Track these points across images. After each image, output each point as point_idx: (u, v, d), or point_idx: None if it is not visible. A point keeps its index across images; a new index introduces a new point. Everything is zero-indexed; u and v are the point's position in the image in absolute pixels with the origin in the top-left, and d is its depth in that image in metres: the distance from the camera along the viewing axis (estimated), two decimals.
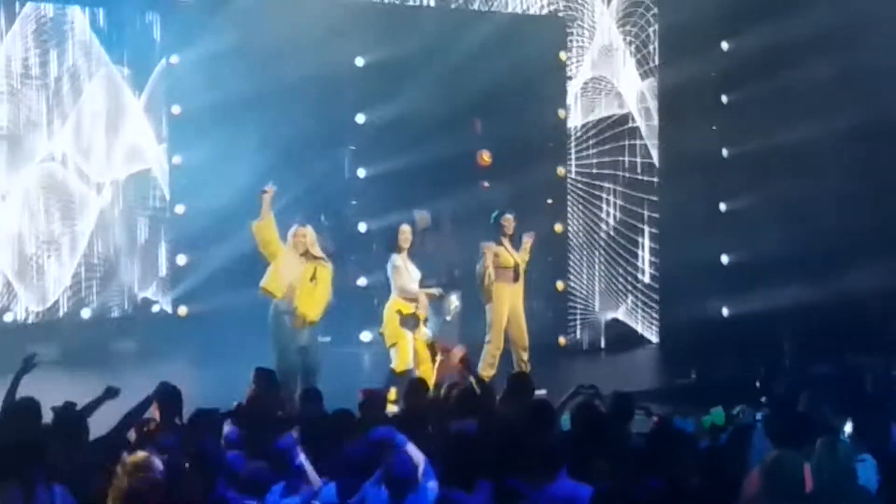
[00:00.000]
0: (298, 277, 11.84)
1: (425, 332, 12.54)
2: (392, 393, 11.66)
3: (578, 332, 17.53)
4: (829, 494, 7.19)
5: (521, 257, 13.33)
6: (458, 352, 11.12)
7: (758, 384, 11.30)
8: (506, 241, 13.26)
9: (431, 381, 11.75)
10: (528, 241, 13.39)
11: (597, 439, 7.88)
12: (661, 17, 17.65)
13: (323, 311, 11.99)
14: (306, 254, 11.89)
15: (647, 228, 18.03)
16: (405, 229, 12.54)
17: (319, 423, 8.28)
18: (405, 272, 12.41)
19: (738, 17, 17.79)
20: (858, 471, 7.60)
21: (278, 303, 11.84)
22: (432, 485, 7.02)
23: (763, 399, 8.91)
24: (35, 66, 15.39)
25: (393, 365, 12.35)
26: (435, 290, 12.82)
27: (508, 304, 13.26)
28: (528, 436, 7.52)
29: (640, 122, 17.89)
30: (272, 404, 9.24)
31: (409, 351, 12.29)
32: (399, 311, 12.36)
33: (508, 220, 13.27)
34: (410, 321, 12.38)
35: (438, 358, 11.83)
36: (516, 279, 13.31)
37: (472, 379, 10.10)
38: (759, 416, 8.86)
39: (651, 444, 7.85)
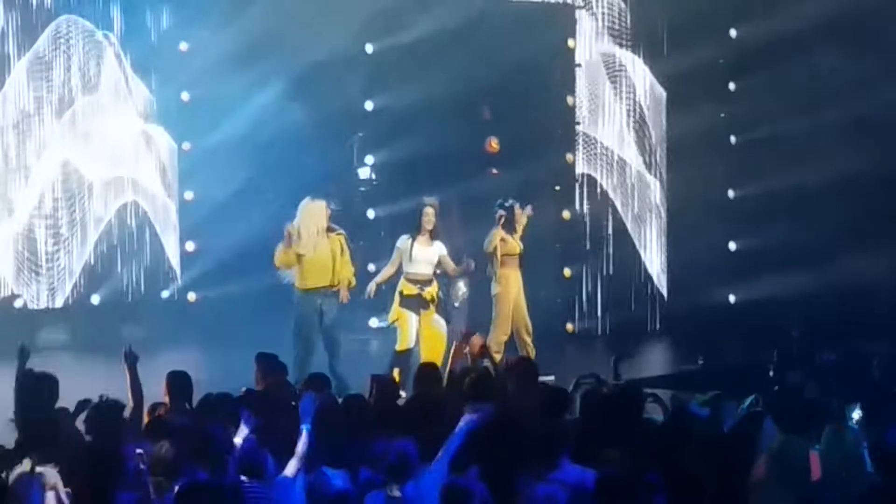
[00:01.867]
0: (330, 256, 11.98)
1: (438, 318, 12.58)
2: (395, 373, 11.75)
3: (586, 318, 17.55)
4: (838, 480, 7.24)
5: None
6: (477, 339, 11.14)
7: (771, 373, 11.31)
8: (515, 229, 13.32)
9: (432, 360, 11.83)
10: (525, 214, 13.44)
11: (607, 427, 7.90)
12: (670, 3, 17.65)
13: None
14: (329, 230, 12.07)
15: (655, 215, 18.06)
16: (429, 211, 12.59)
17: (332, 411, 8.29)
18: (406, 254, 12.46)
19: (747, 4, 17.79)
20: (865, 456, 7.65)
21: (320, 291, 12.02)
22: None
23: (753, 396, 8.92)
24: (45, 56, 15.41)
25: (396, 345, 12.44)
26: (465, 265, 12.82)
27: (514, 291, 13.32)
28: (534, 423, 7.55)
29: (648, 108, 17.90)
30: (285, 390, 9.25)
31: (409, 331, 12.34)
32: (401, 292, 12.44)
33: (516, 210, 13.32)
34: (412, 302, 12.43)
35: (454, 344, 11.85)
36: (520, 266, 13.40)
37: (489, 366, 10.12)
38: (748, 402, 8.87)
39: (666, 429, 7.88)
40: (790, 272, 16.41)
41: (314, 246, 12.04)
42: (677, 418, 8.17)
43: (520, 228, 13.41)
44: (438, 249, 12.58)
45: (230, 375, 11.24)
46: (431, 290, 12.54)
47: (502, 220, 13.17)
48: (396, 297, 12.48)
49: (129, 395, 8.51)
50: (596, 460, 7.26)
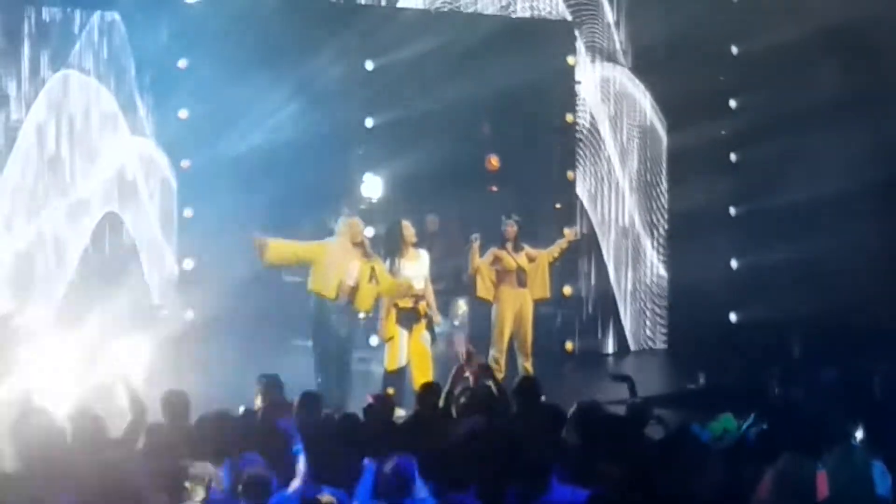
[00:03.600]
0: (355, 279, 11.85)
1: (426, 334, 12.56)
2: (389, 392, 11.71)
3: (586, 336, 17.48)
4: (846, 500, 7.18)
5: (524, 261, 13.37)
6: (477, 359, 11.10)
7: (776, 389, 11.26)
8: (508, 246, 13.32)
9: (421, 376, 11.83)
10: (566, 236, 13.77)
11: (607, 446, 7.86)
12: (669, 20, 17.65)
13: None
14: (360, 244, 11.95)
15: (656, 233, 18.02)
16: (407, 225, 12.71)
17: (324, 429, 8.25)
18: (396, 273, 12.44)
19: (748, 21, 17.78)
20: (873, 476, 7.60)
21: (328, 303, 11.88)
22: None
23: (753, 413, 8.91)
24: (43, 70, 15.38)
25: (385, 363, 12.40)
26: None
27: (512, 308, 13.26)
28: (530, 441, 7.52)
29: (648, 125, 17.90)
30: (285, 411, 9.19)
31: (400, 349, 12.30)
32: (396, 305, 12.39)
33: (511, 225, 13.33)
34: (407, 316, 12.38)
35: (455, 365, 11.83)
36: (521, 284, 13.33)
37: (490, 383, 10.07)
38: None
39: (667, 448, 7.83)
40: (792, 290, 16.36)
41: (325, 252, 11.93)
42: (679, 438, 8.13)
43: (558, 251, 13.43)
44: (425, 258, 12.56)
45: (228, 394, 11.18)
46: (424, 305, 12.52)
47: (477, 243, 13.07)
48: (392, 312, 12.41)
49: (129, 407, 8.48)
50: (595, 479, 7.22)
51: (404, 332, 12.40)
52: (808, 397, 10.38)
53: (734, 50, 18.26)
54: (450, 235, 17.21)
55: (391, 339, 12.41)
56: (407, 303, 12.43)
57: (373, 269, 12.06)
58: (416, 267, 12.51)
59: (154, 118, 15.99)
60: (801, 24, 16.77)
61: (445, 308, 16.89)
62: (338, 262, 11.97)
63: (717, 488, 7.20)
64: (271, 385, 9.60)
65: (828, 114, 16.90)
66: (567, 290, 17.29)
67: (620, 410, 8.96)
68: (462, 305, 16.76)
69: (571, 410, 8.96)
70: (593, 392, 12.93)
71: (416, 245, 12.64)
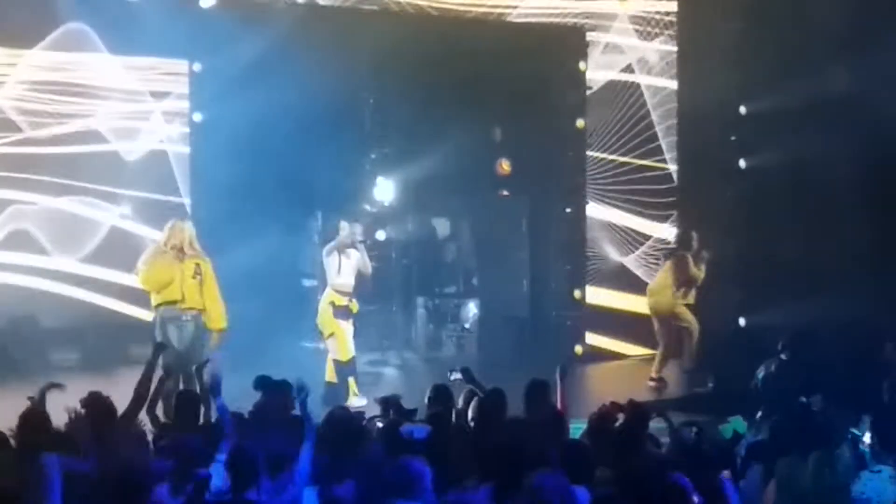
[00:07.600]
0: (180, 277, 11.81)
1: (350, 328, 13.16)
2: (351, 384, 12.09)
3: (595, 340, 17.52)
4: None
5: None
6: None
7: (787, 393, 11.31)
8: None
9: None
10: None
11: (613, 447, 7.94)
12: (681, 24, 17.72)
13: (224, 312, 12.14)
14: (180, 251, 11.88)
15: (664, 235, 18.06)
16: (345, 226, 13.35)
17: (338, 427, 8.32)
18: (335, 268, 13.06)
19: (758, 29, 17.79)
20: (872, 482, 7.63)
21: (164, 310, 11.79)
22: None
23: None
24: (57, 72, 15.47)
25: (336, 356, 12.71)
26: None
27: None
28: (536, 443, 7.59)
29: (659, 130, 17.96)
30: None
31: (348, 339, 12.90)
32: (332, 303, 12.77)
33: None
34: (343, 312, 12.98)
35: None
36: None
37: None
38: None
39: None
40: (800, 293, 16.36)
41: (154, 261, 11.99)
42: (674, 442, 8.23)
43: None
44: (357, 258, 13.02)
45: (240, 393, 11.25)
46: (355, 302, 13.24)
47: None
48: (328, 309, 12.93)
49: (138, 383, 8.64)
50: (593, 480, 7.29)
51: (347, 325, 12.99)
52: (811, 401, 10.42)
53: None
54: (460, 240, 17.30)
55: (333, 334, 13.00)
56: (341, 301, 12.99)
57: (197, 265, 11.96)
58: (351, 264, 13.18)
59: (169, 121, 16.09)
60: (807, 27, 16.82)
61: (457, 311, 17.01)
62: (164, 267, 11.91)
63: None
64: (268, 385, 9.66)
65: (836, 117, 16.88)
66: (577, 293, 17.33)
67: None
68: (473, 308, 16.84)
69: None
70: (600, 395, 13.04)
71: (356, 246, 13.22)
